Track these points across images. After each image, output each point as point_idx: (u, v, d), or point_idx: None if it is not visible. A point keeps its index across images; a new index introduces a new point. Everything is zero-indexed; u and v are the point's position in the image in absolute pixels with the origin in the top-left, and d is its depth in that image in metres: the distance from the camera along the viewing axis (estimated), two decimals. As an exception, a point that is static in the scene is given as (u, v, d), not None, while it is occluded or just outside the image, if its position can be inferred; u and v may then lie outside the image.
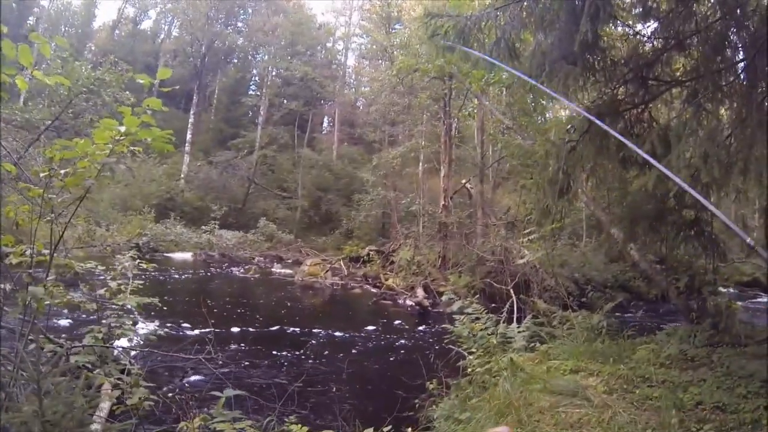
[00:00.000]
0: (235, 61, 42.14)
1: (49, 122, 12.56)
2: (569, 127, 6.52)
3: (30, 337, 2.96)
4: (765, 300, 14.54)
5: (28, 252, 2.91)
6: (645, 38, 6.06)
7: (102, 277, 6.32)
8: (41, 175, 2.88)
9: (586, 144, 5.84)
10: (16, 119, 14.02)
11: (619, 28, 6.42)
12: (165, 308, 7.27)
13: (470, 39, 5.68)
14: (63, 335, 5.77)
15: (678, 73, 5.89)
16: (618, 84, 5.88)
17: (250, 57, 42.72)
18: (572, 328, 7.19)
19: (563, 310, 8.06)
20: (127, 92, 14.26)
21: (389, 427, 4.07)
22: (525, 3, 5.48)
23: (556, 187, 6.08)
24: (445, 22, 5.73)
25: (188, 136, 30.43)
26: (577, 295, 11.14)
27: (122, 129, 2.92)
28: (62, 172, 2.87)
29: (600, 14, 4.73)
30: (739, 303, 7.57)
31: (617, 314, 8.87)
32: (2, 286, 2.70)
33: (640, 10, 5.51)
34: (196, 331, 8.51)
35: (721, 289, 7.55)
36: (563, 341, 6.76)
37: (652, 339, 6.58)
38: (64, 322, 7.89)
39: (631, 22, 6.15)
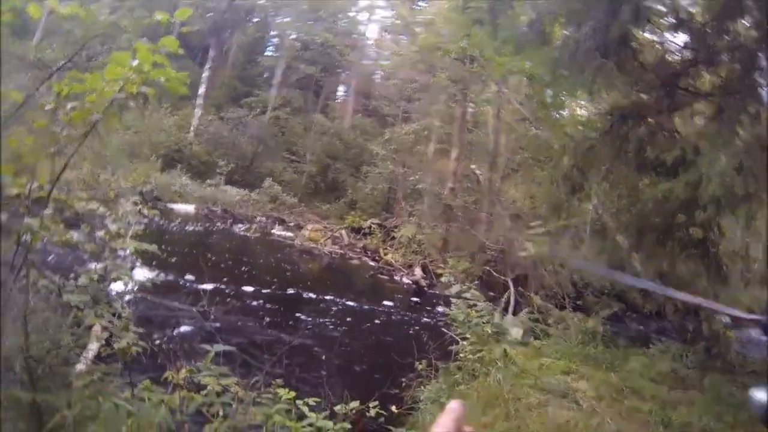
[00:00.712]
0: (256, 20, 41.43)
1: (63, 62, 12.41)
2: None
3: (22, 271, 2.90)
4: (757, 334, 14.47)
5: (29, 185, 2.83)
6: (675, 48, 5.92)
7: (104, 220, 6.26)
8: (47, 107, 2.78)
9: (605, 144, 5.73)
10: (30, 57, 13.89)
11: (649, 35, 6.27)
12: (164, 258, 7.23)
13: (501, 16, 5.52)
14: (59, 274, 5.73)
15: (705, 87, 5.75)
16: (644, 88, 5.75)
17: (270, 18, 42.12)
18: (567, 329, 7.16)
19: (559, 310, 8.01)
20: (144, 38, 14.03)
21: (375, 402, 4.03)
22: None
23: (569, 183, 5.99)
24: (479, -6, 5.57)
25: (202, 90, 30.10)
26: (573, 297, 11.07)
27: (134, 63, 2.80)
28: (69, 105, 2.77)
29: (638, 12, 4.60)
30: (734, 332, 7.49)
31: (611, 323, 8.80)
32: (-1, 215, 2.64)
33: (673, 20, 5.37)
34: (193, 284, 8.48)
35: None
36: (557, 340, 6.73)
37: (644, 352, 6.55)
38: (61, 261, 7.86)
39: (661, 30, 6.00)
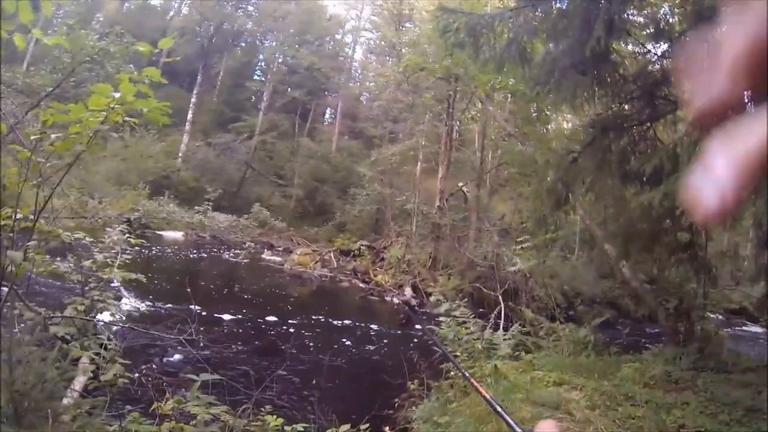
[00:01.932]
0: (243, 44, 41.81)
1: (51, 89, 12.43)
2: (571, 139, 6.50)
3: (7, 303, 2.88)
4: (754, 330, 14.60)
5: (13, 216, 2.83)
6: (655, 57, 6.03)
7: (91, 250, 6.23)
8: (32, 138, 2.79)
9: (587, 157, 5.80)
10: (17, 83, 13.90)
11: (630, 46, 6.39)
12: (151, 286, 7.18)
13: (481, 39, 5.61)
14: (44, 306, 5.68)
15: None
16: (625, 100, 5.84)
17: (258, 42, 42.45)
18: (558, 340, 7.17)
19: (551, 322, 8.03)
20: (131, 65, 14.10)
21: (367, 425, 4.01)
22: (539, 8, 5.42)
23: (554, 197, 6.05)
24: (458, 18, 5.66)
25: (189, 116, 30.20)
26: (564, 307, 11.11)
27: (117, 95, 2.83)
28: (53, 136, 2.78)
29: (613, 25, 4.69)
30: (726, 330, 7.55)
31: (603, 330, 8.84)
32: (-19, 248, 2.63)
33: (652, 30, 5.48)
34: (180, 312, 8.43)
35: (710, 314, 7.51)
36: (549, 352, 6.74)
37: (637, 358, 6.56)
38: (49, 292, 7.79)
39: (641, 41, 6.12)
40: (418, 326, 11.27)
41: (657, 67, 5.93)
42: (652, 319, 9.60)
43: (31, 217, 2.88)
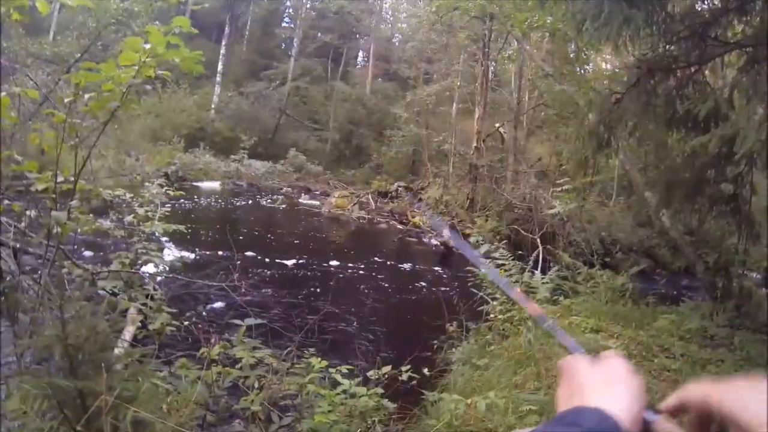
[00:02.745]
0: (270, -9, 41.14)
1: (79, 55, 12.51)
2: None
3: (56, 262, 2.99)
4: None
5: (54, 179, 2.90)
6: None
7: (132, 205, 6.39)
8: (65, 100, 2.83)
9: (631, 99, 5.56)
10: (46, 53, 14.07)
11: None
12: (192, 236, 7.34)
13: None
14: (92, 262, 5.90)
15: (737, 37, 5.49)
16: (672, 40, 5.52)
17: (284, -12, 41.63)
18: (596, 287, 7.10)
19: (588, 267, 7.93)
20: (157, 22, 14.01)
21: (408, 366, 4.09)
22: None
23: (595, 139, 5.87)
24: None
25: (220, 67, 30.06)
26: (601, 254, 10.97)
27: (147, 47, 2.82)
28: (86, 96, 2.81)
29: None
30: (764, 290, 7.32)
31: (640, 280, 8.70)
32: (27, 211, 2.71)
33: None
34: (222, 259, 8.65)
35: (750, 272, 7.28)
36: (586, 298, 6.69)
37: (673, 310, 6.46)
38: (97, 250, 8.06)
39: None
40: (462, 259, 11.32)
41: (706, 6, 5.60)
42: (690, 272, 9.37)
43: (71, 178, 2.95)
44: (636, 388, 0.62)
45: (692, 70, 5.47)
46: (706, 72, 5.65)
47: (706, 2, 5.59)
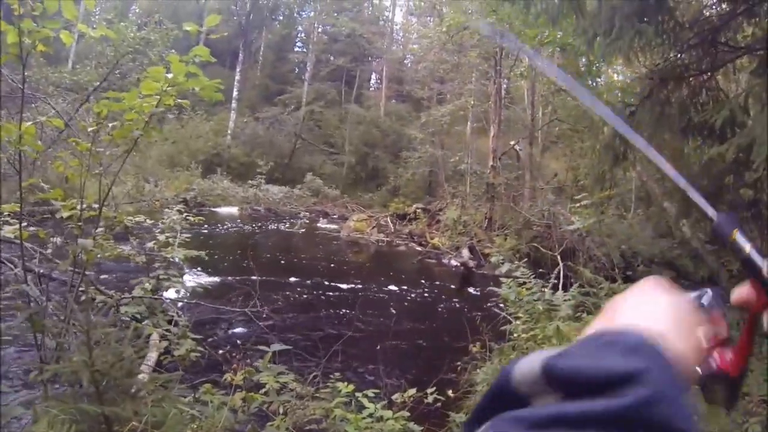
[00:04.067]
0: (281, 18, 41.71)
1: (98, 83, 12.84)
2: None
3: (81, 289, 3.02)
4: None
5: (78, 206, 2.94)
6: (712, 2, 5.67)
7: (151, 232, 6.45)
8: (89, 129, 2.88)
9: (645, 110, 5.53)
10: (65, 82, 14.44)
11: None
12: (212, 261, 7.38)
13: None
14: (113, 288, 5.94)
15: (747, 41, 5.46)
16: (682, 48, 5.50)
17: (295, 14, 42.26)
18: (619, 302, 6.98)
19: (610, 282, 7.82)
20: (173, 50, 14.34)
21: (433, 388, 4.05)
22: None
23: (611, 153, 5.83)
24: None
25: (234, 93, 30.47)
26: (623, 267, 10.81)
27: (169, 76, 2.87)
28: (110, 125, 2.86)
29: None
30: None
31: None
32: (53, 239, 2.75)
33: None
34: (243, 284, 8.67)
35: None
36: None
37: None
38: (115, 275, 8.14)
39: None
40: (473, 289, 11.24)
41: (714, 11, 5.57)
42: (713, 281, 9.20)
43: (95, 205, 2.99)
44: (666, 303, 0.60)
45: (704, 77, 5.43)
46: (719, 78, 5.60)
47: (714, 7, 5.55)
